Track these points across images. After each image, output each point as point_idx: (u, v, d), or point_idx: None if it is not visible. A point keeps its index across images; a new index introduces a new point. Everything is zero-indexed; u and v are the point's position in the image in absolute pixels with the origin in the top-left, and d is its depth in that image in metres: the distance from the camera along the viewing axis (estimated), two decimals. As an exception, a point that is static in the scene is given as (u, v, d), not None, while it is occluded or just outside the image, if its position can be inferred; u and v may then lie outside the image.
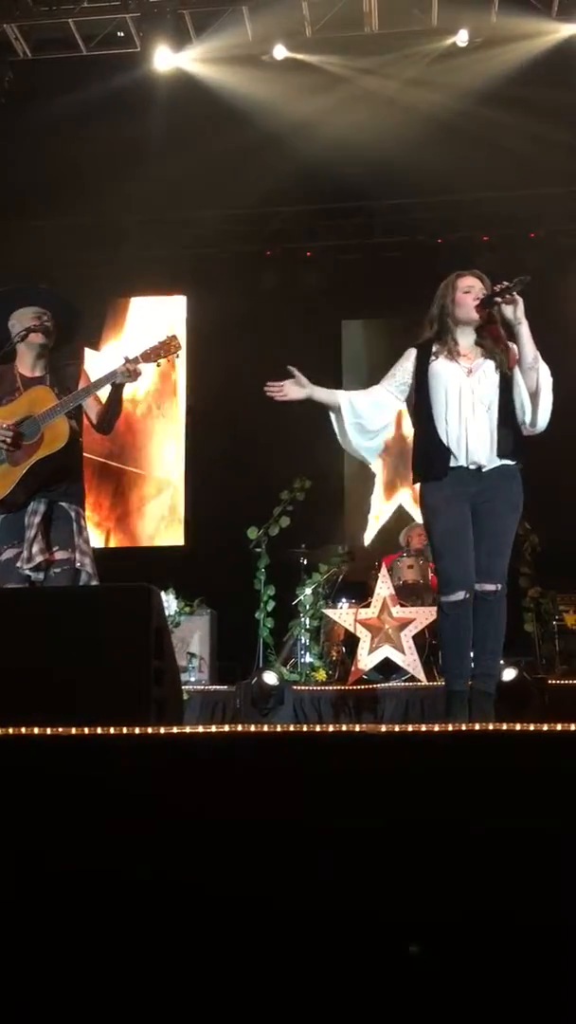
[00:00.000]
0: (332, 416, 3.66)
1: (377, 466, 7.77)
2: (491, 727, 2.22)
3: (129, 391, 3.80)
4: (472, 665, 3.49)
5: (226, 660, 6.48)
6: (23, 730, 2.14)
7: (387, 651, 5.63)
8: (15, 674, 2.54)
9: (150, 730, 2.19)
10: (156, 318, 8.53)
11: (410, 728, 2.20)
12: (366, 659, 5.66)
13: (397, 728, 2.19)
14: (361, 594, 6.21)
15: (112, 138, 6.85)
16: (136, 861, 2.00)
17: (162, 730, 2.21)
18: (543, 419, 3.45)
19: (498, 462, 3.46)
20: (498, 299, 3.43)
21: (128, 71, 6.89)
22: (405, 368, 3.62)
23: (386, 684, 5.56)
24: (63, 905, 1.97)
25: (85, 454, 3.89)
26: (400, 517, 7.75)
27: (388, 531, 7.76)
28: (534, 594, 6.09)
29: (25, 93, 6.86)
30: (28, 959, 1.94)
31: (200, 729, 2.32)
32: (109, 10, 6.72)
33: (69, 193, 7.35)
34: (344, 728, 2.28)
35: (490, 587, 3.42)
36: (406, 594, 5.97)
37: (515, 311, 3.43)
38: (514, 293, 3.42)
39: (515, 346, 3.49)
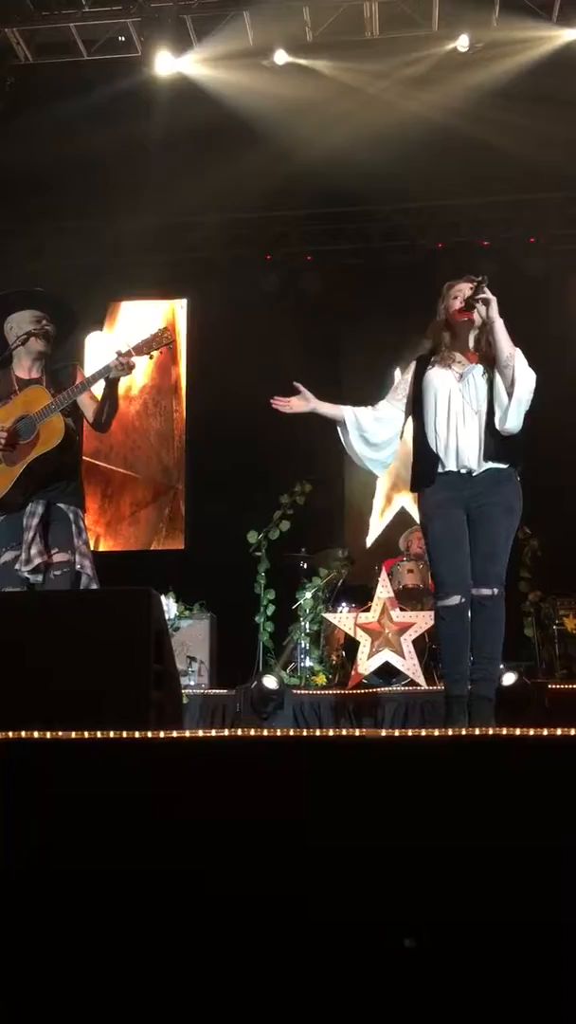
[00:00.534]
0: (339, 429, 3.74)
1: (378, 466, 7.74)
2: (491, 732, 2.22)
3: (122, 387, 3.78)
4: (472, 670, 3.49)
5: (226, 664, 6.47)
6: (23, 734, 2.14)
7: (387, 655, 5.63)
8: (15, 678, 2.54)
9: (149, 734, 2.19)
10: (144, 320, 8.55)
11: (410, 733, 2.20)
12: (366, 663, 5.65)
13: (397, 733, 2.19)
14: (361, 598, 6.21)
15: (113, 142, 6.86)
16: (135, 864, 1.99)
17: (161, 734, 2.21)
18: (514, 420, 3.43)
19: (488, 466, 3.47)
20: (475, 302, 3.47)
21: (129, 76, 6.89)
22: (406, 380, 3.71)
23: (386, 688, 5.56)
24: (63, 906, 1.97)
25: None
26: (402, 520, 7.75)
27: (390, 534, 7.76)
28: (534, 598, 6.09)
29: (27, 97, 6.87)
30: (28, 960, 1.94)
31: (200, 733, 2.32)
32: (111, 15, 6.73)
33: (70, 197, 7.36)
34: (344, 733, 2.28)
35: (487, 591, 3.42)
36: (406, 598, 5.97)
37: (487, 310, 3.45)
38: (486, 292, 3.44)
39: None
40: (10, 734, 2.14)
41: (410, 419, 3.70)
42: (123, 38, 6.93)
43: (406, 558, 6.36)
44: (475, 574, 3.43)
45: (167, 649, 2.82)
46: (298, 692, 5.60)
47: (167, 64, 6.79)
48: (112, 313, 8.72)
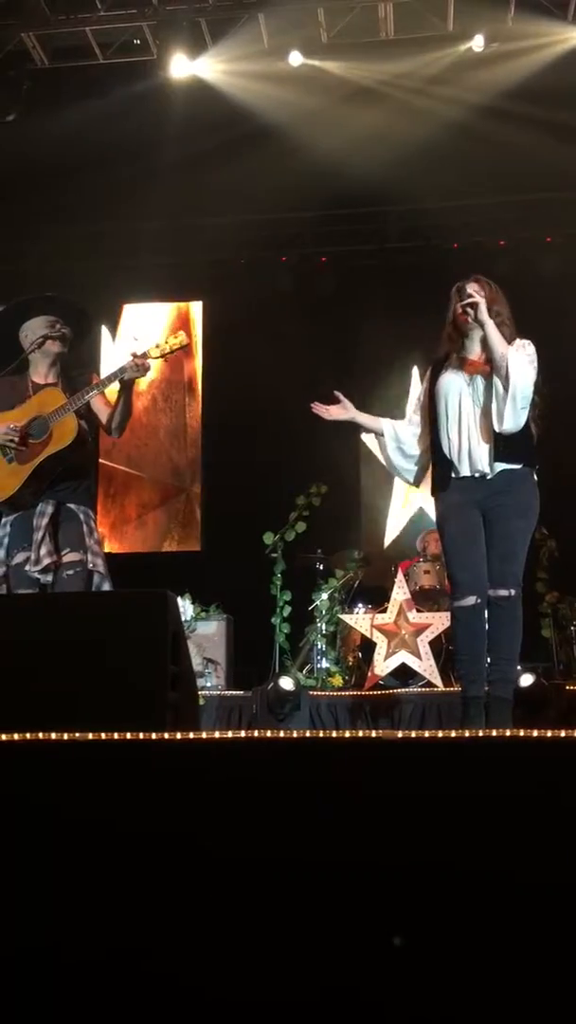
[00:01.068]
0: (376, 439, 3.82)
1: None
2: (508, 733, 2.22)
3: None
4: (489, 671, 3.48)
5: (242, 665, 6.48)
6: (40, 735, 2.15)
7: (404, 656, 5.62)
8: (32, 679, 2.55)
9: (166, 735, 2.19)
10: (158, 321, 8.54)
11: (427, 734, 2.19)
12: (382, 665, 5.65)
13: (414, 734, 2.18)
14: (378, 599, 6.20)
15: (128, 145, 6.89)
16: (149, 866, 2.00)
17: (178, 735, 2.21)
18: (510, 420, 3.42)
19: (501, 467, 3.46)
20: (464, 307, 3.48)
21: (145, 78, 6.92)
22: (423, 388, 3.75)
23: (403, 690, 5.55)
24: (71, 910, 1.98)
25: None
26: (419, 521, 7.72)
27: (406, 535, 7.75)
28: (551, 599, 6.07)
29: (43, 101, 6.90)
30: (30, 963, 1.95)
31: (216, 735, 2.32)
32: (126, 18, 6.75)
33: (86, 200, 7.39)
34: (360, 734, 2.27)
35: (503, 592, 3.42)
36: (423, 599, 5.96)
37: (476, 313, 3.46)
38: (474, 296, 3.45)
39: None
40: (27, 735, 2.15)
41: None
42: (138, 41, 6.96)
43: (423, 559, 6.34)
44: (492, 575, 3.43)
45: (183, 650, 2.83)
46: (314, 694, 5.60)
47: (182, 66, 6.80)
48: (125, 315, 8.71)
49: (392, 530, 8.07)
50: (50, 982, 1.90)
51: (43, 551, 3.52)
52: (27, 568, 3.54)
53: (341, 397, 3.73)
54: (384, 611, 5.80)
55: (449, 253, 7.94)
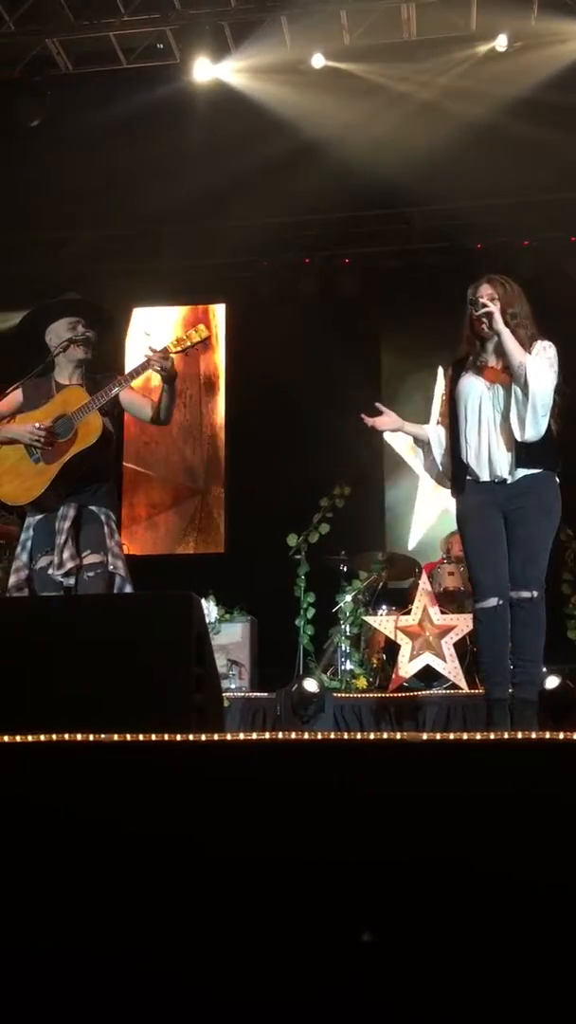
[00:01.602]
0: (420, 448, 3.84)
1: (419, 466, 7.68)
2: (533, 736, 2.21)
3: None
4: (513, 673, 3.47)
5: (266, 667, 6.48)
6: (66, 736, 2.16)
7: (428, 658, 5.61)
8: (57, 681, 2.57)
9: (191, 737, 2.20)
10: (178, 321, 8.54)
11: (451, 736, 2.19)
12: (407, 666, 5.64)
13: (439, 736, 2.18)
14: (402, 601, 6.19)
15: (152, 149, 6.92)
16: (177, 867, 2.01)
17: (203, 737, 2.22)
18: (532, 429, 3.40)
19: (523, 473, 3.44)
20: (478, 318, 3.46)
21: (168, 83, 6.95)
22: (440, 393, 3.75)
23: (427, 692, 5.53)
24: (89, 914, 1.99)
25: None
26: (444, 520, 7.69)
27: (431, 536, 7.72)
28: (576, 601, 6.03)
29: (67, 106, 6.95)
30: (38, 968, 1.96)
31: (241, 736, 2.33)
32: (149, 23, 6.79)
33: (110, 203, 7.43)
34: (385, 736, 2.27)
35: (526, 594, 3.40)
36: (447, 601, 5.94)
37: (489, 322, 3.44)
38: (488, 306, 3.44)
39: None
40: (53, 737, 2.17)
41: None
42: (161, 45, 6.99)
43: (447, 560, 6.32)
44: (514, 577, 3.41)
45: (208, 652, 2.84)
46: (339, 695, 5.60)
47: (205, 70, 6.83)
48: (135, 318, 8.63)
49: (416, 532, 8.05)
50: (60, 979, 1.92)
51: (65, 554, 3.53)
52: (50, 572, 3.56)
53: (384, 409, 3.76)
54: (408, 613, 5.79)
55: (473, 253, 7.91)
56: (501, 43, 6.63)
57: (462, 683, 5.49)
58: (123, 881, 2.01)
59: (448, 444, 3.64)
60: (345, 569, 6.46)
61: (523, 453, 3.43)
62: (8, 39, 6.80)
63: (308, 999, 1.85)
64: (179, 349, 3.58)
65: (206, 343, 3.73)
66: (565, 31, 6.58)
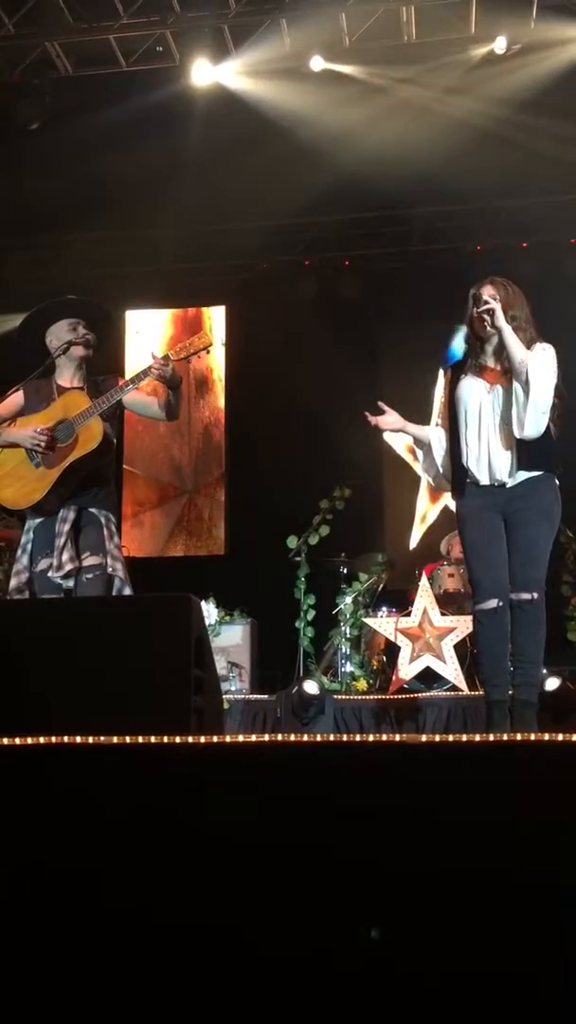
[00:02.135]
0: (420, 449, 3.81)
1: (417, 467, 7.64)
2: (533, 737, 2.21)
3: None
4: (513, 674, 3.47)
5: (266, 669, 6.48)
6: (65, 739, 2.16)
7: (428, 660, 5.60)
8: (56, 684, 2.57)
9: (191, 739, 2.20)
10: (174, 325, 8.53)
11: (451, 738, 2.19)
12: (407, 668, 5.63)
13: (438, 738, 2.18)
14: (402, 603, 6.19)
15: (152, 151, 6.92)
16: (176, 868, 2.00)
17: (203, 739, 2.22)
18: (531, 426, 3.40)
19: (523, 476, 3.44)
20: (481, 315, 3.46)
21: (167, 85, 6.95)
22: (439, 395, 3.74)
23: (427, 694, 5.53)
24: (101, 917, 1.99)
25: None
26: (445, 522, 7.69)
27: (432, 538, 7.70)
28: (577, 603, 6.04)
29: (67, 109, 6.95)
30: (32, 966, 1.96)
31: (241, 738, 2.33)
32: (149, 25, 6.79)
33: (110, 206, 7.43)
34: (385, 738, 2.27)
35: (526, 596, 3.40)
36: (447, 603, 5.94)
37: (492, 320, 3.44)
38: (490, 303, 3.44)
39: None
40: (52, 739, 2.16)
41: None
42: (161, 48, 6.99)
43: (447, 562, 6.32)
44: (514, 578, 3.41)
45: (208, 654, 2.84)
46: (339, 697, 5.59)
47: (205, 73, 6.83)
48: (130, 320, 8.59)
49: (416, 533, 8.05)
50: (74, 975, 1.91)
51: (65, 557, 3.54)
52: (50, 574, 3.56)
53: (387, 408, 3.74)
54: (408, 614, 5.79)
55: (472, 255, 7.92)
56: (500, 45, 6.63)
57: (462, 685, 5.49)
58: (123, 881, 2.01)
59: (448, 446, 3.64)
60: (345, 571, 6.47)
61: (523, 455, 3.43)
62: (8, 41, 6.81)
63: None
64: (181, 356, 3.59)
65: (208, 350, 3.73)
66: (564, 33, 6.57)
